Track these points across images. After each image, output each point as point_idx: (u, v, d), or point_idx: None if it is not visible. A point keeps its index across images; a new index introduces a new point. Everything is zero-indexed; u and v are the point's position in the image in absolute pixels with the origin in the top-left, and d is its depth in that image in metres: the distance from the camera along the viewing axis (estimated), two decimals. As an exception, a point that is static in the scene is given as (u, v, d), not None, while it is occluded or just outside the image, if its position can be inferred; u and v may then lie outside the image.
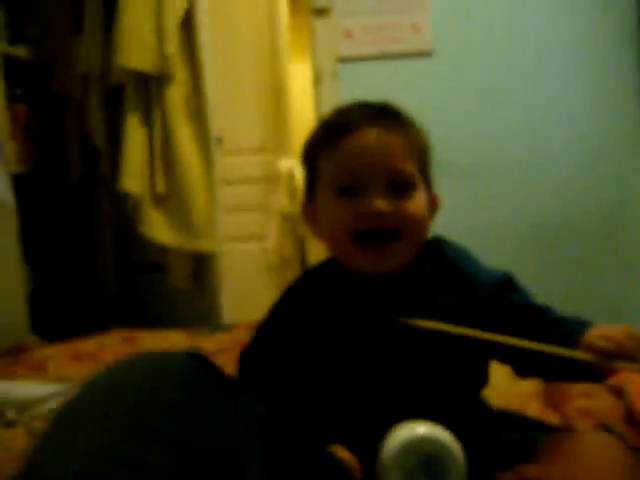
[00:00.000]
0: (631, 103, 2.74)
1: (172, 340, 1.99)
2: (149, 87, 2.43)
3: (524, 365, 0.89)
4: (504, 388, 1.15)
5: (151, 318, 2.55)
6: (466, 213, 2.54)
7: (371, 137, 0.87)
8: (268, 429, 0.66)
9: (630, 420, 1.10)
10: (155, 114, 2.40)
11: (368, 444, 0.82)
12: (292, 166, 3.62)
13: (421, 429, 0.79)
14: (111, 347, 1.89)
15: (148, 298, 2.72)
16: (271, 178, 3.61)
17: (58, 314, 2.53)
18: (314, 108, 2.82)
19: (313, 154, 0.94)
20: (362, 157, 0.87)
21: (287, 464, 0.65)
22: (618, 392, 1.20)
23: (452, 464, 0.77)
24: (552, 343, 0.83)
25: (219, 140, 2.66)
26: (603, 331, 0.81)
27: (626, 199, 2.77)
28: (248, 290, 3.40)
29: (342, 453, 0.81)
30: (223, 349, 1.90)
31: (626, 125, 2.75)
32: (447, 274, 0.92)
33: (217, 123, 2.62)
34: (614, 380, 1.27)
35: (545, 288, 2.53)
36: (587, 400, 1.16)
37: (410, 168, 0.89)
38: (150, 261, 2.67)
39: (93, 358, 1.79)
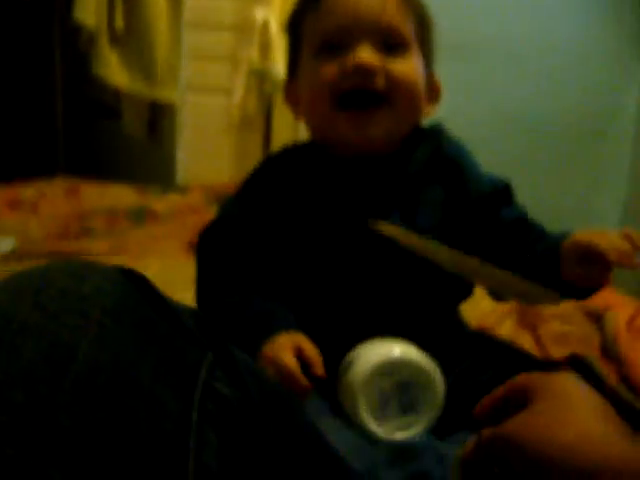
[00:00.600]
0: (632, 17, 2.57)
1: (119, 195, 1.85)
2: None
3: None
4: (478, 304, 1.06)
5: (101, 169, 2.37)
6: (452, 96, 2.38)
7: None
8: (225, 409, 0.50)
9: (607, 353, 1.03)
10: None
11: (334, 351, 0.71)
12: (268, 16, 3.34)
13: (397, 350, 0.67)
14: (52, 198, 1.74)
15: (99, 147, 2.52)
16: (243, 27, 3.33)
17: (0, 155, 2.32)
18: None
19: (297, 21, 0.82)
20: (351, 11, 0.76)
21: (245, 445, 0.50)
22: (596, 318, 1.12)
23: (430, 391, 0.67)
24: (535, 258, 0.74)
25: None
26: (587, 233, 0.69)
27: (613, 110, 2.66)
28: (207, 147, 3.21)
29: (306, 345, 0.69)
30: (175, 212, 1.77)
31: (625, 32, 2.59)
32: (441, 166, 0.80)
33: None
34: (595, 302, 1.18)
35: (522, 178, 2.48)
36: (562, 324, 1.08)
37: (404, 27, 0.77)
38: (104, 105, 2.45)
39: (31, 208, 1.65)
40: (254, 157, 2.97)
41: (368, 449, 0.69)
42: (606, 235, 0.68)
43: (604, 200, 2.72)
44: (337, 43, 0.76)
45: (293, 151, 0.85)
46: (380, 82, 0.75)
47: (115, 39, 2.19)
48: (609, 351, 1.03)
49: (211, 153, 3.17)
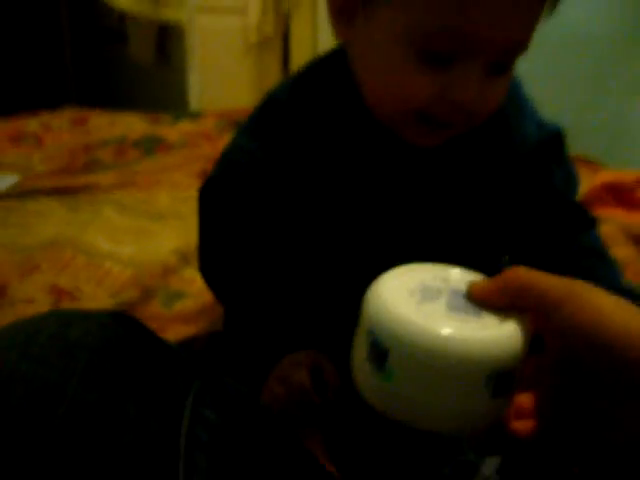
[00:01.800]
0: None
1: (129, 125, 1.76)
2: None
3: None
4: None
5: (112, 98, 2.28)
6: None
7: (500, 7, 0.52)
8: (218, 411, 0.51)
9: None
10: None
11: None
12: None
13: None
14: (58, 130, 1.66)
15: (109, 75, 2.42)
16: (256, -59, 3.15)
17: (5, 85, 2.24)
18: None
19: None
20: (482, 23, 0.53)
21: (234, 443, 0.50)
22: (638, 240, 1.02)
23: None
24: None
25: None
26: None
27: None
28: (222, 73, 3.07)
29: (307, 361, 0.61)
30: (186, 142, 1.69)
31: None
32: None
33: None
34: (633, 222, 1.09)
35: (550, 100, 2.35)
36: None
37: (529, 36, 0.57)
38: (111, 30, 2.33)
39: (34, 142, 1.57)
40: (272, 80, 2.84)
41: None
42: None
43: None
44: (444, 55, 0.55)
45: (333, 94, 0.65)
46: (465, 117, 0.58)
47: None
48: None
49: (226, 77, 3.04)
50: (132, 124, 1.77)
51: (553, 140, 0.70)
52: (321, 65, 0.67)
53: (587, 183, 1.20)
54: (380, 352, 0.42)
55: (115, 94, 2.33)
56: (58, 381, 0.43)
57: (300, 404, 0.59)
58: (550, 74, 2.45)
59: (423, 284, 0.46)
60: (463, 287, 0.46)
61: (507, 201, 0.69)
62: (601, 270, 0.69)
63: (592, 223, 0.72)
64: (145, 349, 0.50)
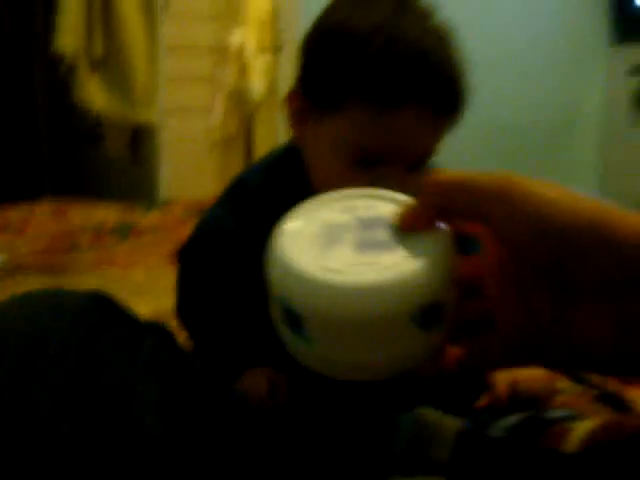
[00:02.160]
0: (597, 18, 2.68)
1: (105, 214, 1.92)
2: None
3: None
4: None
5: (86, 191, 2.44)
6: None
7: (418, 123, 0.72)
8: (168, 370, 0.60)
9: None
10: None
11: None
12: (244, 38, 3.43)
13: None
14: (40, 218, 1.81)
15: (84, 170, 2.59)
16: (220, 50, 3.42)
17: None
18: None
19: (341, 82, 0.73)
20: (401, 141, 0.72)
21: (186, 405, 0.59)
22: None
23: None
24: None
25: (166, 3, 2.47)
26: (508, 373, 0.79)
27: (577, 111, 2.77)
28: (189, 168, 3.28)
29: (263, 375, 0.77)
30: (158, 228, 1.84)
31: (589, 38, 2.70)
32: None
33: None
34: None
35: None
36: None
37: (436, 147, 0.77)
38: (86, 131, 2.52)
39: (19, 229, 1.71)
40: (236, 174, 3.04)
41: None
42: (510, 382, 0.77)
43: (578, 190, 2.82)
44: (373, 160, 0.73)
45: (292, 165, 0.82)
46: None
47: (94, 65, 2.27)
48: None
49: (194, 172, 3.25)
50: (107, 214, 1.93)
51: None
52: (285, 155, 0.84)
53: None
54: (293, 317, 0.40)
55: (90, 187, 2.49)
56: (41, 332, 0.52)
57: (258, 406, 0.74)
58: (492, 162, 2.69)
59: (326, 224, 0.43)
60: (372, 214, 0.43)
61: None
62: None
63: None
64: (116, 320, 0.58)
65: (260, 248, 0.80)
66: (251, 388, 0.76)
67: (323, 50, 0.75)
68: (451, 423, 0.81)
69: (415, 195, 0.44)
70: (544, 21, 2.70)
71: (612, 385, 0.94)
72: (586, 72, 2.74)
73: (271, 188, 0.82)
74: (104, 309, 0.58)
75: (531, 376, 0.78)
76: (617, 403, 0.89)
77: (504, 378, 0.78)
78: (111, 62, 2.28)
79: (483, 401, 0.80)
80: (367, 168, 0.73)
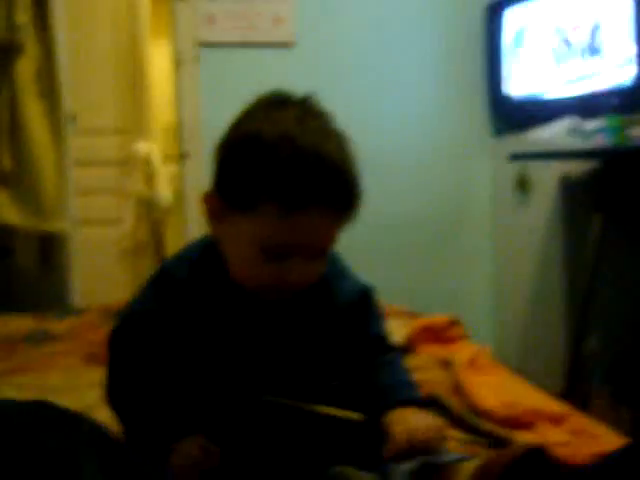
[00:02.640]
0: (479, 113, 2.96)
1: (17, 324, 1.93)
2: (-4, 59, 2.31)
3: None
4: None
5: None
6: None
7: (321, 222, 0.84)
8: (105, 445, 0.69)
9: (456, 389, 1.21)
10: (1, 87, 2.29)
11: (232, 431, 0.88)
12: (149, 149, 3.56)
13: None
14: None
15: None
16: (127, 161, 3.54)
17: None
18: (174, 91, 2.80)
19: (253, 187, 0.82)
20: (304, 239, 0.84)
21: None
22: (447, 365, 1.31)
23: None
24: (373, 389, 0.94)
25: (73, 118, 2.58)
26: (403, 425, 0.86)
27: (469, 198, 2.99)
28: (102, 275, 3.32)
29: (194, 444, 0.84)
30: (72, 332, 1.87)
31: (472, 132, 2.97)
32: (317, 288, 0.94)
33: (71, 101, 2.54)
34: (444, 353, 1.39)
35: (393, 277, 2.72)
36: (420, 373, 1.25)
37: (334, 242, 0.89)
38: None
39: None
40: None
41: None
42: (407, 429, 0.85)
43: (475, 279, 3.00)
44: (278, 254, 0.84)
45: (211, 259, 0.91)
46: (298, 287, 0.88)
47: (3, 179, 2.32)
48: (457, 387, 1.22)
49: (106, 279, 3.28)
50: (19, 323, 1.94)
51: (365, 295, 1.00)
52: (205, 249, 0.94)
53: (409, 328, 1.50)
54: None
55: (1, 298, 2.49)
56: None
57: (195, 470, 0.82)
58: (388, 251, 2.85)
59: None
60: None
61: (333, 338, 0.97)
62: (394, 373, 0.96)
63: (392, 348, 1.01)
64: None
65: (183, 332, 0.89)
66: (184, 455, 0.83)
67: (237, 157, 0.84)
68: (366, 478, 0.89)
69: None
70: (430, 120, 2.95)
71: (502, 432, 1.05)
72: (473, 164, 2.98)
73: (194, 281, 0.91)
74: (42, 407, 0.69)
75: (423, 426, 0.88)
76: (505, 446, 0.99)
77: (400, 430, 0.86)
78: (20, 176, 2.34)
79: (386, 452, 0.88)
80: (277, 260, 0.84)
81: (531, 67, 2.68)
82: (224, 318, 0.91)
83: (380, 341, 1.00)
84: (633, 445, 0.78)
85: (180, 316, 0.90)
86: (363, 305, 1.01)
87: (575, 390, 2.21)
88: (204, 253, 0.94)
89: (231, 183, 0.85)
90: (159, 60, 3.80)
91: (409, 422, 0.87)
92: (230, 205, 0.85)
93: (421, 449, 0.85)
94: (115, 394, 0.93)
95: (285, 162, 0.81)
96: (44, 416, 0.67)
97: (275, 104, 0.88)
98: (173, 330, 0.91)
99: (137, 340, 0.92)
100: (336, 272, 0.98)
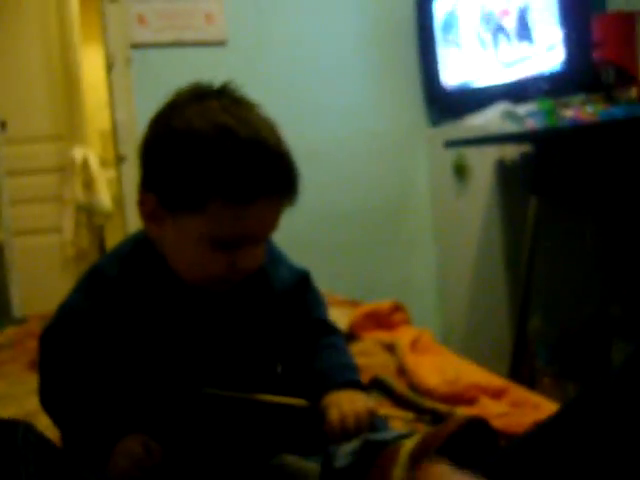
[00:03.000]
0: (414, 102, 3.00)
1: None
2: None
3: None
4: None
5: None
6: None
7: (269, 210, 0.85)
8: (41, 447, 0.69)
9: (400, 371, 1.23)
10: None
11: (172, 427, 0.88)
12: (86, 154, 3.51)
13: None
14: None
15: None
16: (64, 167, 3.47)
17: None
18: (108, 94, 2.76)
19: (198, 184, 0.81)
20: (254, 228, 0.85)
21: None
22: (391, 349, 1.33)
23: None
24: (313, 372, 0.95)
25: (2, 124, 2.52)
26: (337, 409, 0.88)
27: (409, 188, 3.03)
28: (44, 284, 3.24)
29: (136, 442, 0.83)
30: (14, 341, 1.83)
31: (409, 122, 3.01)
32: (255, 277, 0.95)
33: (1, 109, 2.48)
34: (388, 338, 1.41)
35: (338, 268, 2.74)
36: (365, 358, 1.27)
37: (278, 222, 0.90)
38: None
39: None
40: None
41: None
42: (341, 413, 0.87)
43: (418, 266, 3.04)
44: (229, 243, 0.84)
45: (144, 255, 0.90)
46: (245, 273, 0.88)
47: None
48: (401, 369, 1.24)
49: (50, 287, 3.20)
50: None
51: (303, 279, 1.01)
52: (136, 247, 0.92)
53: (352, 316, 1.52)
54: None
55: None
56: None
57: (138, 468, 0.81)
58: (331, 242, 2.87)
59: None
60: None
61: (274, 325, 0.97)
62: (333, 355, 0.97)
63: (334, 330, 1.02)
64: None
65: (115, 330, 0.88)
66: (126, 454, 0.82)
67: (173, 155, 0.82)
68: (311, 466, 0.90)
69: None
70: (366, 111, 2.97)
71: (444, 408, 1.07)
72: (411, 153, 3.02)
73: (126, 278, 0.89)
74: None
75: (356, 409, 0.89)
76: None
77: (334, 413, 0.87)
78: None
79: (323, 435, 0.89)
80: (227, 251, 0.84)
81: (462, 54, 2.73)
82: (160, 312, 0.90)
83: (321, 324, 1.01)
84: (566, 408, 0.80)
85: (113, 314, 0.89)
86: (301, 289, 1.01)
87: (521, 371, 2.27)
88: (135, 249, 0.92)
89: (172, 184, 0.83)
90: (92, 63, 3.74)
91: (342, 405, 0.88)
92: (173, 206, 0.83)
93: (354, 432, 0.86)
94: (48, 395, 0.92)
95: (227, 156, 0.80)
96: None
97: (197, 96, 0.86)
98: (106, 328, 0.89)
99: (69, 339, 0.89)
100: (272, 258, 0.98)
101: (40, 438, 0.68)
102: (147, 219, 0.87)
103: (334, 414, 0.87)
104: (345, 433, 0.86)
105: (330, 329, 1.01)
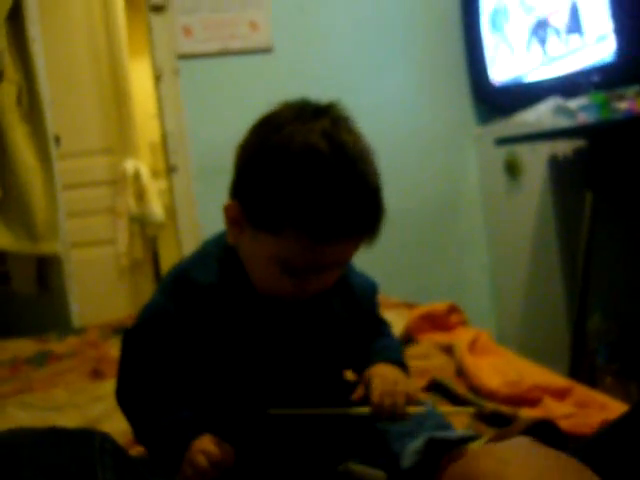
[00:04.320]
0: (462, 100, 2.97)
1: (19, 347, 1.93)
2: (-24, 86, 2.31)
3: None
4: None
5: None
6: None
7: (346, 248, 0.84)
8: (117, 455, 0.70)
9: (459, 373, 1.21)
10: (-14, 114, 2.29)
11: (246, 431, 0.89)
12: (138, 166, 3.56)
13: None
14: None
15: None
16: (117, 180, 3.54)
17: None
18: (157, 106, 2.80)
19: (280, 210, 0.79)
20: (326, 261, 0.83)
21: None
22: (449, 350, 1.31)
23: None
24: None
25: (57, 139, 2.58)
26: (380, 378, 0.89)
27: (459, 187, 3.00)
28: (100, 295, 3.32)
29: (209, 441, 0.84)
30: (74, 351, 1.87)
31: (457, 120, 2.98)
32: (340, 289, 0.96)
33: (55, 125, 2.54)
34: (445, 339, 1.39)
35: (391, 270, 2.72)
36: (423, 361, 1.26)
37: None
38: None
39: None
40: (147, 295, 3.09)
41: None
42: (384, 386, 0.87)
43: (471, 266, 3.00)
44: (300, 270, 0.83)
45: (233, 261, 0.90)
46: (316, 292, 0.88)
47: (-6, 205, 2.32)
48: (460, 371, 1.22)
49: (105, 298, 3.28)
50: (22, 346, 1.94)
51: (376, 288, 1.03)
52: (226, 253, 0.91)
53: (408, 318, 1.51)
54: None
55: (2, 324, 2.49)
56: None
57: (214, 466, 0.81)
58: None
59: None
60: None
61: (352, 333, 0.98)
62: (384, 340, 1.00)
63: (387, 325, 1.04)
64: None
65: (200, 334, 0.89)
66: (200, 451, 0.82)
67: (263, 173, 0.80)
68: (377, 472, 0.89)
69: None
70: (413, 113, 2.96)
71: (508, 409, 1.05)
72: (460, 153, 2.99)
73: (220, 285, 0.89)
74: (53, 430, 0.70)
75: (396, 379, 0.89)
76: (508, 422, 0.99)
77: (377, 382, 0.88)
78: (11, 201, 2.34)
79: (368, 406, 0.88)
80: (290, 273, 0.83)
81: (510, 50, 2.68)
82: (242, 317, 0.90)
83: (378, 321, 1.04)
84: (634, 409, 0.78)
85: (196, 317, 0.89)
86: (375, 297, 1.04)
87: (581, 370, 2.21)
88: (226, 257, 0.91)
89: (256, 199, 0.82)
90: (140, 76, 3.80)
91: (387, 375, 0.90)
92: (253, 220, 0.83)
93: (396, 404, 0.86)
94: (126, 393, 0.92)
95: (314, 186, 0.77)
96: (56, 435, 0.69)
97: (301, 114, 0.83)
98: (190, 332, 0.89)
99: (152, 339, 0.90)
100: (350, 267, 1.00)
101: (116, 446, 0.69)
102: (229, 223, 0.87)
103: (377, 382, 0.88)
104: (387, 406, 0.86)
105: (380, 320, 1.04)
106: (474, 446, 0.83)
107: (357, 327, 0.98)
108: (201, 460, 0.82)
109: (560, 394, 1.08)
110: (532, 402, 1.07)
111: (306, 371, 0.94)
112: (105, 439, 0.69)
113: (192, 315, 0.89)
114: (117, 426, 1.09)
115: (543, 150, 2.45)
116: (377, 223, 0.84)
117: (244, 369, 0.90)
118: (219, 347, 0.90)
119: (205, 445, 0.83)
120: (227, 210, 0.86)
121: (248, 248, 0.87)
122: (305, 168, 0.77)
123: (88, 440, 0.68)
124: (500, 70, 2.76)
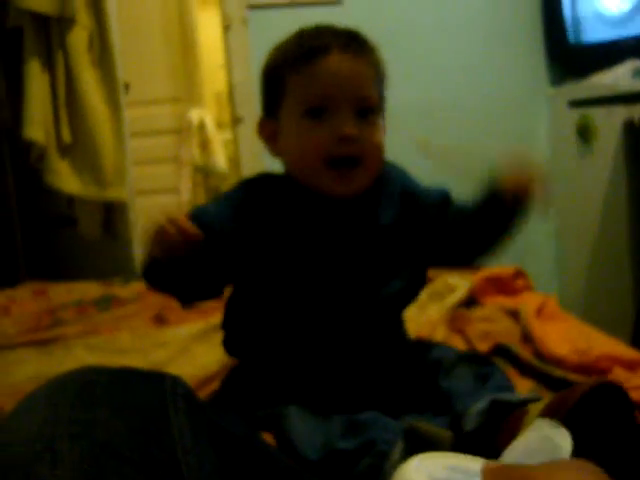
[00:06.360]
0: (535, 60, 2.86)
1: (85, 290, 1.97)
2: (50, 30, 2.34)
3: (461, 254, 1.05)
4: (414, 316, 1.22)
5: (64, 272, 2.50)
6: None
7: (343, 63, 0.91)
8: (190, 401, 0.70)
9: (525, 338, 1.19)
10: (57, 59, 2.31)
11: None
12: (203, 116, 3.58)
13: None
14: (22, 300, 1.86)
15: (59, 252, 2.65)
16: (182, 129, 3.56)
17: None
18: (224, 56, 2.79)
19: (279, 74, 0.94)
20: (334, 81, 0.90)
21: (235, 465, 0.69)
22: (515, 315, 1.29)
23: None
24: (479, 214, 1.00)
25: (126, 86, 2.60)
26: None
27: (530, 140, 2.91)
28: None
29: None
30: (138, 297, 1.90)
31: (529, 81, 2.87)
32: (393, 191, 1.00)
33: (123, 72, 2.56)
34: (510, 304, 1.36)
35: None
36: (487, 324, 1.23)
37: (375, 94, 0.95)
38: (59, 214, 2.60)
39: (4, 311, 1.76)
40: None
41: (325, 425, 0.85)
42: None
43: (536, 232, 2.93)
44: (321, 108, 0.90)
45: (273, 180, 0.99)
46: (358, 150, 0.91)
47: (63, 150, 2.36)
48: (526, 336, 1.19)
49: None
50: (87, 290, 1.99)
51: (447, 196, 1.04)
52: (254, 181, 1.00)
53: (472, 280, 1.48)
54: None
55: (67, 269, 2.55)
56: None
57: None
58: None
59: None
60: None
61: (398, 241, 0.98)
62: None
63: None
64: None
65: (253, 241, 0.92)
66: (169, 222, 0.84)
67: (263, 70, 0.99)
68: (443, 432, 0.88)
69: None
70: (485, 69, 2.87)
71: (576, 377, 1.02)
72: (531, 114, 2.90)
73: (273, 193, 0.96)
74: (127, 369, 0.71)
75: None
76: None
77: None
78: (79, 147, 2.38)
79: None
80: (321, 119, 0.90)
81: (589, 7, 2.56)
82: (304, 227, 0.95)
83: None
84: None
85: (252, 225, 0.93)
86: (447, 202, 1.03)
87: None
88: (253, 181, 1.00)
89: (263, 90, 0.99)
90: (208, 26, 3.79)
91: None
92: (270, 109, 0.97)
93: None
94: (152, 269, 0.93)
95: (292, 41, 0.96)
96: (129, 375, 0.69)
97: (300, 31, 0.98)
98: (242, 237, 0.93)
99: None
100: (411, 182, 1.04)
101: (187, 389, 0.70)
102: (266, 141, 0.99)
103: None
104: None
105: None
106: (538, 406, 0.81)
107: (415, 238, 0.99)
108: (169, 228, 0.83)
109: (631, 365, 1.05)
110: (601, 372, 1.04)
111: (355, 287, 0.94)
112: (176, 382, 0.70)
113: (245, 219, 0.93)
114: (181, 371, 1.10)
115: (619, 114, 2.34)
116: (353, 39, 0.94)
117: (292, 284, 0.94)
118: (273, 252, 0.94)
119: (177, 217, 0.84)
120: (259, 130, 0.99)
121: (283, 140, 0.95)
122: (286, 40, 0.97)
123: (160, 382, 0.69)
124: (577, 29, 2.64)
